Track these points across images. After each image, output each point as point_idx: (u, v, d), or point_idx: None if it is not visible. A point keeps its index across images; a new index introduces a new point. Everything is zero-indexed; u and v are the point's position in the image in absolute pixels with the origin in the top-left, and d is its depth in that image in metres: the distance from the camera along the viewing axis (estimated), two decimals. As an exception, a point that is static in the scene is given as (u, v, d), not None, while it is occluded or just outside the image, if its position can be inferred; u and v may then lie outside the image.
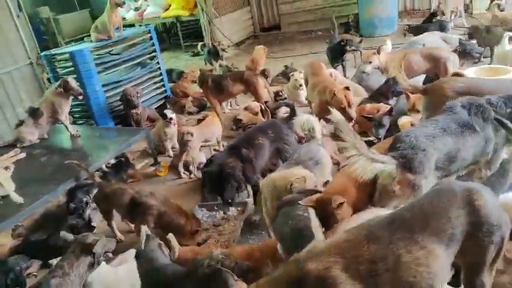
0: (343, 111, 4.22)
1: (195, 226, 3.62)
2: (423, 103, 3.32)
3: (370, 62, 5.36)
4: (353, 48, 6.30)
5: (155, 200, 3.55)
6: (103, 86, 6.36)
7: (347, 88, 4.27)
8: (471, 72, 4.89)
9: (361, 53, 6.56)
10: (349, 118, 4.22)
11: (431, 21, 9.10)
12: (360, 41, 6.85)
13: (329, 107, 4.35)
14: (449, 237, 1.73)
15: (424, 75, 5.44)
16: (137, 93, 6.27)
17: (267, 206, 3.03)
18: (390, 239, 1.68)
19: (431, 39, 6.68)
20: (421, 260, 1.66)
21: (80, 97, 5.08)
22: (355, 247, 1.69)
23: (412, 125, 3.73)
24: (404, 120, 4.01)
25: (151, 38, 7.24)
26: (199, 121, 5.42)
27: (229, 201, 3.78)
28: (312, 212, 2.42)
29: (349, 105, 4.22)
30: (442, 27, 7.44)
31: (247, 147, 3.97)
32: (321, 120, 5.24)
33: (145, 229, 2.89)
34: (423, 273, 1.65)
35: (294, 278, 1.68)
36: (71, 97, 4.96)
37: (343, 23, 10.24)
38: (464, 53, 5.54)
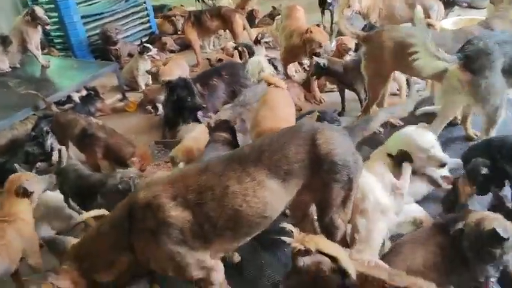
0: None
1: (145, 161, 3.76)
2: (362, 50, 3.24)
3: (349, 7, 5.14)
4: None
5: (104, 132, 3.63)
6: (83, 17, 6.28)
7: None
8: (449, 22, 4.68)
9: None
10: None
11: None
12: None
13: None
14: (285, 171, 1.79)
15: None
16: (117, 29, 6.19)
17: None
18: (223, 171, 1.76)
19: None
20: (249, 190, 1.73)
21: (48, 27, 5.06)
22: (188, 177, 1.77)
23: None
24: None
25: (136, -30, 6.99)
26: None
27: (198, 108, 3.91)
28: None
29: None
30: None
31: (202, 85, 3.99)
32: (293, 64, 5.20)
33: (64, 148, 3.24)
34: (251, 203, 1.73)
35: (126, 207, 1.78)
36: (40, 26, 4.94)
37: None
38: (449, 2, 5.26)
